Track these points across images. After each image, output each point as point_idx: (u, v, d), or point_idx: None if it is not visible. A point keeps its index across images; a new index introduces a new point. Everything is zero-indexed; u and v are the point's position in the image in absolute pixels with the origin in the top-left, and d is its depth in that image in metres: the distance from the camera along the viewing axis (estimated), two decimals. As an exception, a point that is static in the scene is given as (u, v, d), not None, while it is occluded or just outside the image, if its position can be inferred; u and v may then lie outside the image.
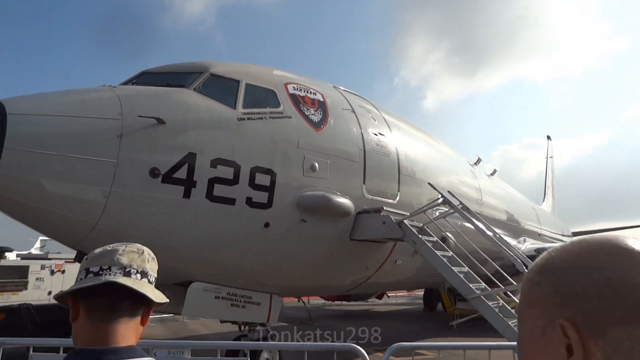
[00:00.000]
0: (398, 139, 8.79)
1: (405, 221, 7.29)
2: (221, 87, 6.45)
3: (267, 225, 6.31)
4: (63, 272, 9.64)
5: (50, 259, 9.86)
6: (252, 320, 7.12)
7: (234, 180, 5.99)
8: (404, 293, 28.72)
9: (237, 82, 6.55)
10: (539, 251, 16.34)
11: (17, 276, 9.01)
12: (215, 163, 5.83)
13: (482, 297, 6.52)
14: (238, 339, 7.50)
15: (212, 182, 5.80)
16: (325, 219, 6.99)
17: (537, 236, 18.84)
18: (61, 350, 3.95)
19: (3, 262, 8.99)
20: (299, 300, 9.44)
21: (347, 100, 8.15)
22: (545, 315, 0.70)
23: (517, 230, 16.06)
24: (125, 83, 6.31)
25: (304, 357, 3.63)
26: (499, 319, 6.28)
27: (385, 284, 10.59)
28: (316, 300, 22.47)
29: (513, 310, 6.88)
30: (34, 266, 9.20)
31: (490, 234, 7.01)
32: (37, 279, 9.27)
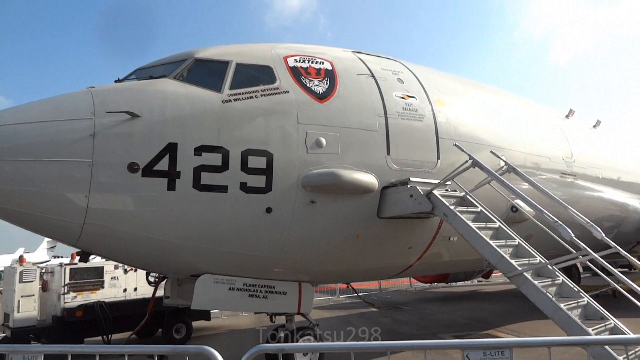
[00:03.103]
0: (436, 100, 7.69)
1: (434, 192, 6.32)
2: (207, 72, 6.18)
3: (269, 210, 5.91)
4: (136, 270, 10.35)
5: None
6: (280, 310, 6.81)
7: (224, 166, 5.69)
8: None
9: (226, 63, 6.22)
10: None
11: (95, 276, 9.92)
12: (199, 150, 5.59)
13: (525, 274, 5.33)
14: (275, 330, 7.26)
15: (199, 170, 5.57)
16: (340, 198, 6.35)
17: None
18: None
19: (81, 264, 9.92)
20: (347, 287, 8.86)
21: (365, 64, 7.33)
22: None
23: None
24: (121, 81, 6.35)
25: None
26: (544, 299, 5.06)
27: (448, 264, 9.47)
28: (419, 283, 21.48)
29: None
30: (108, 266, 10.03)
31: (528, 197, 5.68)
32: (112, 277, 10.12)
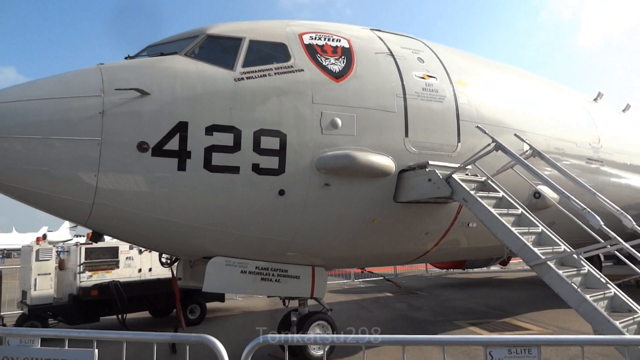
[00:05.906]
0: (458, 80, 7.37)
1: (454, 176, 6.06)
2: (219, 48, 5.98)
3: (282, 192, 5.74)
4: (150, 251, 10.34)
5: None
6: (292, 294, 6.71)
7: (235, 147, 5.51)
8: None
9: (239, 40, 6.00)
10: None
11: (110, 256, 9.94)
12: (210, 130, 5.41)
13: (548, 263, 5.07)
14: (287, 314, 7.17)
15: (209, 150, 5.41)
16: (356, 181, 6.15)
17: None
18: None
19: (95, 244, 9.95)
20: (362, 271, 8.70)
21: (384, 42, 7.03)
22: None
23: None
24: (131, 58, 6.19)
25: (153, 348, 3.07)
26: (569, 290, 4.81)
27: (466, 251, 9.20)
28: (435, 269, 21.27)
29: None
30: (123, 246, 10.03)
31: (553, 182, 5.39)
32: (127, 258, 10.13)
